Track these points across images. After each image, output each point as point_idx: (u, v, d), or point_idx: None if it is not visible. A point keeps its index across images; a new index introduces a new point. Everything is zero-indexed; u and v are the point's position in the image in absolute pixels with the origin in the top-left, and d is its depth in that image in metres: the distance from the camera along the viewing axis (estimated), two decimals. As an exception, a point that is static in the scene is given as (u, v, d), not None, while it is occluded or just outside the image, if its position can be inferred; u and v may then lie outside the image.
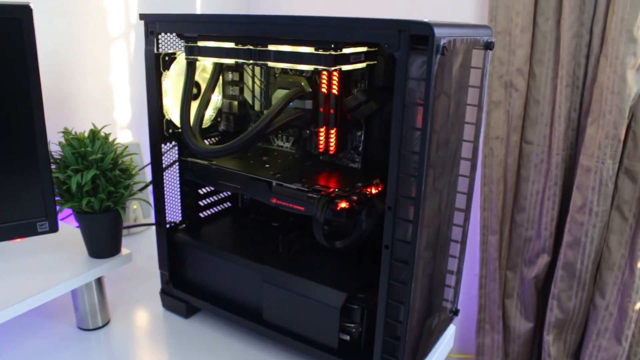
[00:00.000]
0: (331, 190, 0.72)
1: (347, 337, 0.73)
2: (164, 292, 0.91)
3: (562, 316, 1.23)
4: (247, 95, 0.89)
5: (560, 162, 1.20)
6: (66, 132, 0.79)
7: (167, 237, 0.87)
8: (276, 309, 0.78)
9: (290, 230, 0.90)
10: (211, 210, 0.98)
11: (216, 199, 0.98)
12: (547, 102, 1.22)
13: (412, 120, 0.60)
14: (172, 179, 0.89)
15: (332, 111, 0.77)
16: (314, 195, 0.72)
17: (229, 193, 1.01)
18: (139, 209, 1.22)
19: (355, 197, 0.73)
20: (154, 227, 1.25)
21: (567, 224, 1.18)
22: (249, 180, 0.79)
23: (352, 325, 0.72)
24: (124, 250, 0.87)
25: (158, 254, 0.89)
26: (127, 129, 1.37)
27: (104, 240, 0.83)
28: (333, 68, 0.68)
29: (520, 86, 1.23)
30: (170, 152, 0.87)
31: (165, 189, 0.87)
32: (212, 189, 0.96)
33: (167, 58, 0.81)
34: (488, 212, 1.30)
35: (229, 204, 1.02)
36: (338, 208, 0.71)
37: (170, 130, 0.84)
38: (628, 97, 1.06)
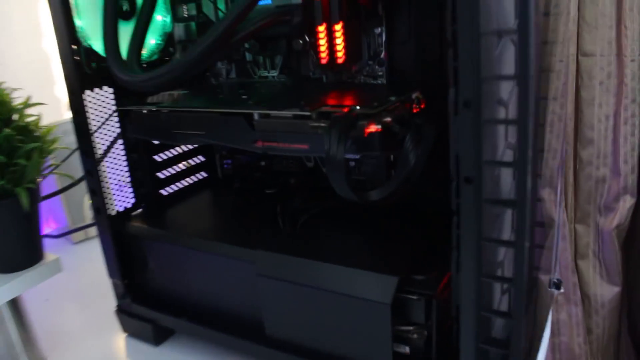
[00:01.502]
0: (349, 108, 0.43)
1: (406, 349, 0.44)
2: (120, 311, 0.62)
3: (664, 273, 0.94)
4: (209, 13, 0.61)
5: (637, 70, 0.91)
6: None
7: (112, 228, 0.59)
8: (283, 316, 0.49)
9: (291, 197, 0.62)
10: (178, 185, 0.69)
11: (183, 167, 0.69)
12: (607, -3, 0.93)
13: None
14: (116, 146, 0.60)
15: (334, -4, 0.49)
16: (322, 124, 0.43)
17: (203, 158, 0.72)
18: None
19: (389, 119, 0.44)
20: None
21: (659, 150, 0.89)
22: (217, 120, 0.50)
23: (413, 327, 0.43)
24: (49, 256, 0.58)
25: (104, 255, 0.61)
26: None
27: (9, 244, 0.54)
28: None
29: (570, -18, 0.94)
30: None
31: (106, 160, 0.58)
32: (174, 153, 0.67)
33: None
34: (545, 151, 1.01)
35: (204, 174, 0.72)
36: (366, 134, 0.42)
37: (94, 65, 0.55)
38: None
